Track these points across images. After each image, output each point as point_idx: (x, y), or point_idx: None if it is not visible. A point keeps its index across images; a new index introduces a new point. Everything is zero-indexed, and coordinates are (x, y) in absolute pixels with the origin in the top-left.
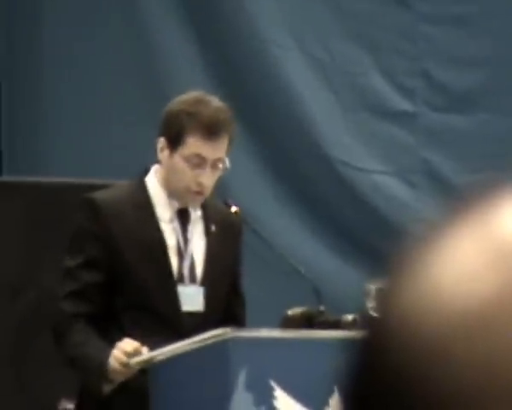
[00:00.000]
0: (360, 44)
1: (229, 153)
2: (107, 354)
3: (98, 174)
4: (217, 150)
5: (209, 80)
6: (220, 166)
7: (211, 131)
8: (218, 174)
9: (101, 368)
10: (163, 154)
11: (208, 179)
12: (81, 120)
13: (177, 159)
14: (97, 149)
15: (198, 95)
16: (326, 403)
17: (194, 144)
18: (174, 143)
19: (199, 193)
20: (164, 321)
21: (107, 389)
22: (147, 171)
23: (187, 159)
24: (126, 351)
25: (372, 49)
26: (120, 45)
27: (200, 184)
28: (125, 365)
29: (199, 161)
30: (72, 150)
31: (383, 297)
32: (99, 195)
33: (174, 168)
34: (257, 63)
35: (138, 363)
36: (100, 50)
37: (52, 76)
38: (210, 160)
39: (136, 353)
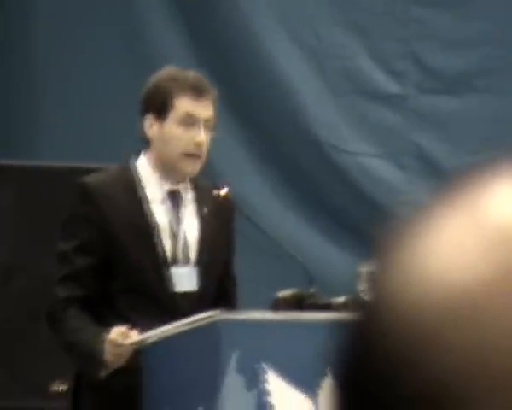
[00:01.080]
0: (350, 28)
1: (215, 120)
2: (103, 341)
3: (90, 158)
4: (206, 108)
5: (197, 64)
6: (211, 128)
7: (197, 89)
8: (209, 137)
9: (98, 354)
10: (153, 130)
11: (204, 138)
12: (73, 104)
13: (170, 125)
14: (89, 133)
15: (174, 67)
16: (318, 386)
17: (183, 105)
18: (163, 111)
19: (197, 156)
20: (159, 303)
21: (103, 374)
22: (137, 153)
23: (180, 121)
24: (116, 341)
25: (362, 33)
26: (113, 33)
27: (197, 145)
28: (120, 355)
29: (191, 121)
30: (64, 135)
31: (373, 281)
32: (91, 179)
33: (168, 137)
34: (246, 50)
35: (131, 344)
36: (94, 38)
37: (44, 61)
38: (201, 118)
39: (126, 336)
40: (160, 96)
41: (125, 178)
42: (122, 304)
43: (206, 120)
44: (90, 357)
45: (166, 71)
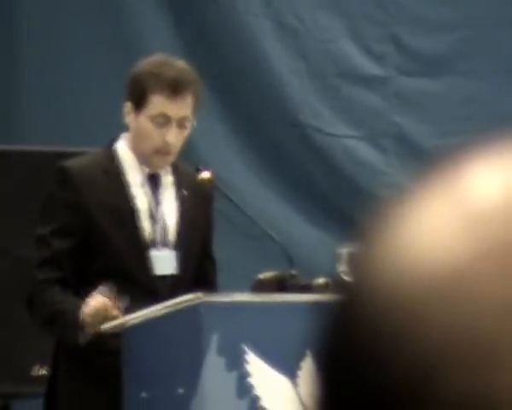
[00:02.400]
0: (330, 10)
1: (196, 113)
2: (80, 305)
3: (70, 143)
4: (181, 108)
5: (180, 48)
6: (186, 125)
7: (174, 88)
8: (184, 134)
9: (75, 319)
10: (129, 117)
11: (174, 138)
12: (53, 88)
13: (143, 120)
14: (70, 117)
15: (162, 57)
16: (298, 367)
17: (158, 103)
18: (139, 104)
19: (167, 153)
20: (138, 286)
21: (82, 339)
22: (117, 138)
23: (152, 119)
24: (96, 305)
25: (342, 15)
26: (93, 14)
27: (166, 143)
28: (97, 315)
29: (164, 120)
30: (44, 119)
31: (355, 262)
32: (71, 162)
33: (140, 130)
34: (228, 31)
35: (111, 328)
36: (78, 24)
37: (26, 45)
38: (175, 118)
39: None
40: (138, 89)
41: (105, 162)
42: None
43: (181, 119)
44: (67, 322)
45: (150, 62)
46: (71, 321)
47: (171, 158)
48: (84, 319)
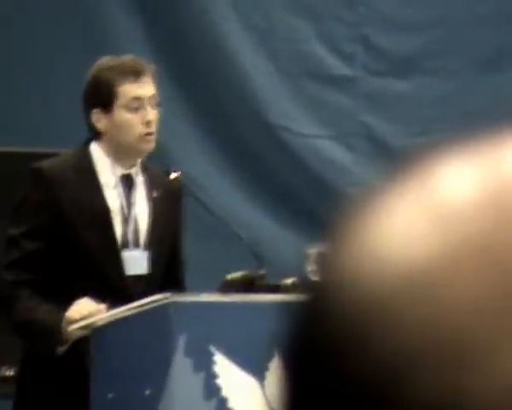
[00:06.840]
0: (299, 11)
1: (158, 94)
2: (60, 318)
3: (43, 143)
4: (148, 87)
5: (150, 48)
6: (156, 105)
7: (136, 72)
8: (156, 114)
9: (56, 331)
10: (102, 123)
11: (153, 115)
12: (26, 89)
13: (118, 113)
14: (42, 118)
15: (108, 57)
16: (266, 368)
17: (127, 91)
18: (108, 102)
19: (150, 134)
20: (110, 286)
21: (60, 350)
22: (91, 139)
23: (126, 107)
24: (82, 314)
25: (311, 16)
26: (65, 14)
27: (148, 123)
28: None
29: (138, 103)
30: (16, 120)
31: (323, 261)
32: (45, 164)
33: (119, 124)
34: (197, 32)
35: (79, 328)
36: (49, 23)
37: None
38: (146, 98)
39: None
40: (103, 88)
41: (79, 164)
42: (74, 288)
43: (150, 98)
44: (47, 333)
45: (101, 63)
46: (52, 333)
47: (154, 138)
48: (67, 332)
